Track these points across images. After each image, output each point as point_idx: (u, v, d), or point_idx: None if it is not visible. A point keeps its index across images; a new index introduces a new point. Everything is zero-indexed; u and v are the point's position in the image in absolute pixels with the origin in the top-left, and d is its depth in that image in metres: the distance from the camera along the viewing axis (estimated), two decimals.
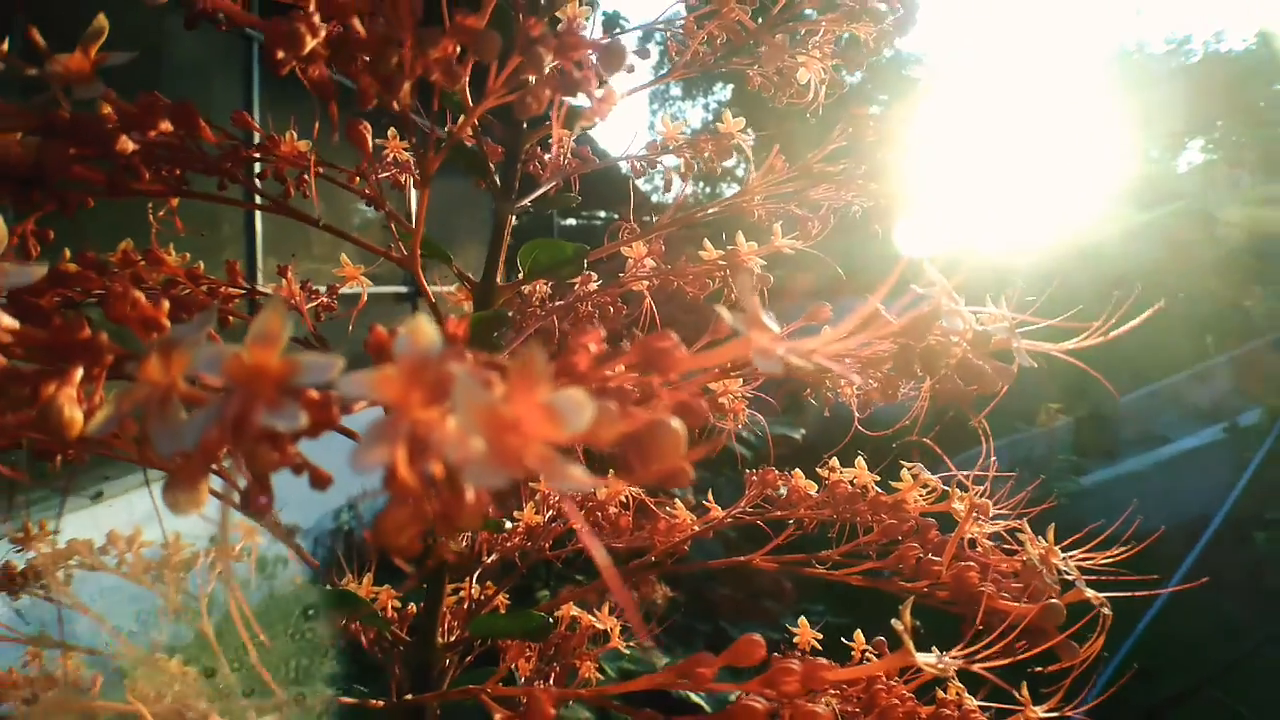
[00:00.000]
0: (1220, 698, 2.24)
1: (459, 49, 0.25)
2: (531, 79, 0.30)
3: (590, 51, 0.27)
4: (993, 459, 0.47)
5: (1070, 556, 0.47)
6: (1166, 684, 2.26)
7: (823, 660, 0.30)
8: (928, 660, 0.30)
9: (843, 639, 0.54)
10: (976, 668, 0.34)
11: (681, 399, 0.26)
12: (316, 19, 0.24)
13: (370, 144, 0.38)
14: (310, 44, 0.24)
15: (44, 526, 0.47)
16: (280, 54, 0.24)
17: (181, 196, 0.37)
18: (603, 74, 0.27)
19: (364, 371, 0.17)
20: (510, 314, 0.49)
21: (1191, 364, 5.41)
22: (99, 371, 0.21)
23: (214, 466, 0.19)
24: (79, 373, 0.21)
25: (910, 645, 0.28)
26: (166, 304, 0.23)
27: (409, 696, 0.41)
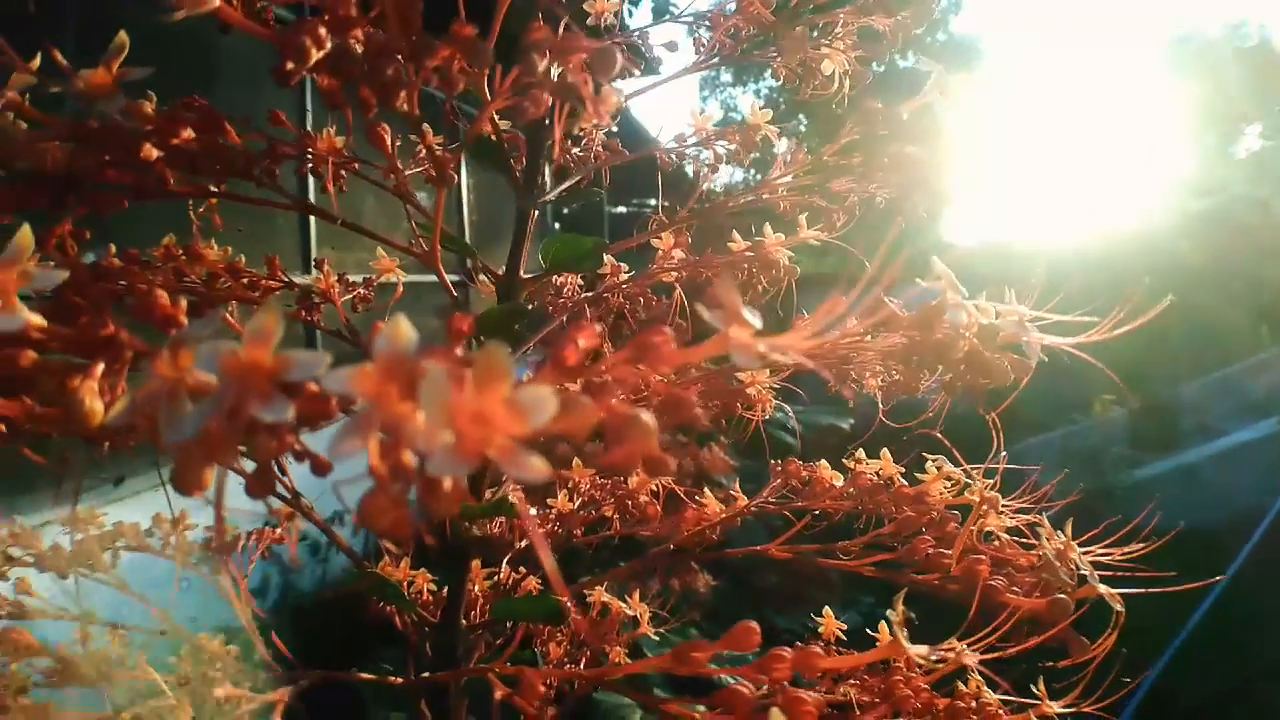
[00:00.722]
0: (1270, 694, 2.18)
1: (456, 57, 0.26)
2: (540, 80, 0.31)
3: (585, 56, 0.28)
4: (1003, 455, 0.47)
5: (1089, 551, 0.46)
6: (1217, 680, 2.20)
7: (816, 649, 0.31)
8: (919, 651, 0.30)
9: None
10: (968, 660, 0.35)
11: (670, 392, 0.27)
12: (323, 31, 0.26)
13: (389, 145, 0.39)
14: (316, 56, 0.25)
15: (94, 511, 0.50)
16: (290, 65, 0.26)
17: (209, 197, 0.38)
18: (598, 78, 0.28)
19: (345, 367, 0.18)
20: (531, 306, 0.50)
21: (1248, 354, 5.24)
22: (119, 366, 0.23)
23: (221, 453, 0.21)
24: (100, 367, 0.22)
25: (901, 636, 0.29)
26: (184, 303, 0.25)
27: (426, 674, 0.43)
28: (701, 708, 0.35)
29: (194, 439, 0.19)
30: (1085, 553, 0.45)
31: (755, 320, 0.25)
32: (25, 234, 0.22)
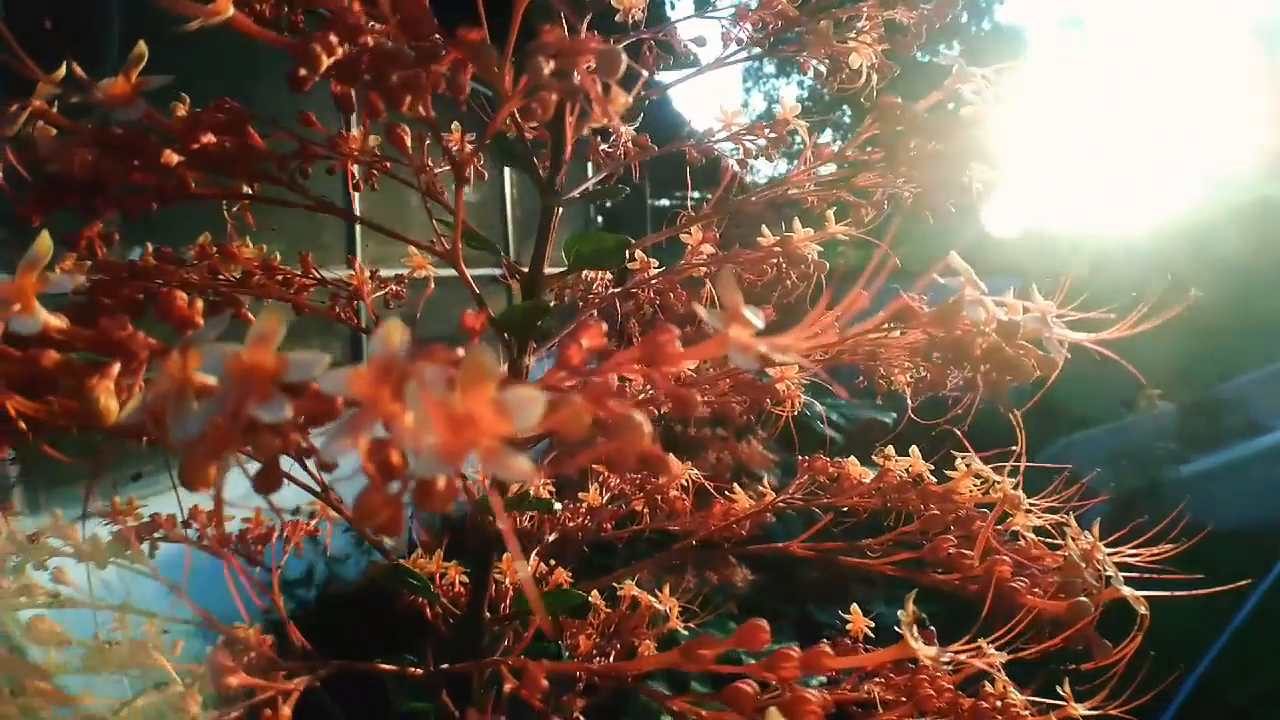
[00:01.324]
0: None
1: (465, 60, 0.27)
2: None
3: (591, 57, 0.28)
4: (1023, 453, 0.47)
5: (1118, 551, 0.46)
6: (1260, 681, 2.14)
7: (826, 649, 0.31)
8: (928, 652, 0.30)
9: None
10: (979, 662, 0.34)
11: (674, 390, 0.28)
12: (334, 39, 0.26)
13: (409, 145, 0.40)
14: (326, 63, 0.26)
15: (132, 502, 0.51)
16: (302, 71, 0.26)
17: (233, 199, 0.39)
18: (604, 78, 0.28)
19: (340, 369, 0.19)
20: (563, 301, 0.50)
21: None
22: (135, 366, 0.24)
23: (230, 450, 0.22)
24: (116, 367, 0.23)
25: (909, 636, 0.29)
26: (200, 304, 0.25)
27: (445, 666, 0.44)
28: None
29: (199, 437, 0.20)
30: (1113, 553, 0.44)
31: (757, 320, 0.25)
32: (44, 241, 0.23)
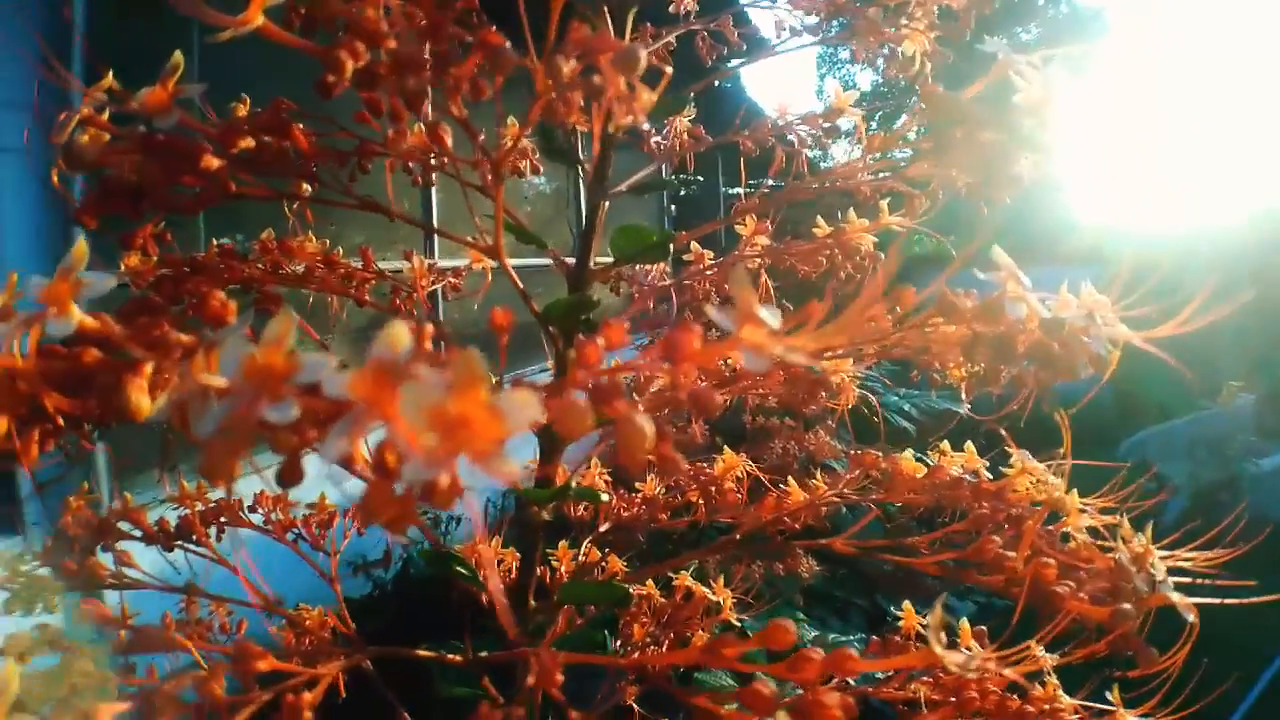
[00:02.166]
0: None
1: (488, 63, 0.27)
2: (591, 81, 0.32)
3: (611, 55, 0.28)
4: (1061, 452, 0.45)
5: (1172, 556, 0.44)
6: None
7: (851, 651, 0.30)
8: (954, 659, 0.29)
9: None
10: (1011, 673, 0.34)
11: (695, 389, 0.28)
12: (360, 45, 0.27)
13: (450, 143, 0.41)
14: (351, 68, 0.27)
15: (201, 488, 0.54)
16: (331, 78, 0.27)
17: (283, 199, 0.41)
18: (626, 76, 0.28)
19: (344, 371, 0.20)
20: (597, 297, 0.51)
21: None
22: (171, 364, 0.25)
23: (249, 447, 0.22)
24: (150, 366, 0.24)
25: (935, 642, 0.28)
26: (233, 305, 0.26)
27: (484, 653, 0.45)
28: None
29: (217, 434, 0.21)
30: (1169, 555, 0.43)
31: (772, 319, 0.25)
32: (80, 247, 0.24)
